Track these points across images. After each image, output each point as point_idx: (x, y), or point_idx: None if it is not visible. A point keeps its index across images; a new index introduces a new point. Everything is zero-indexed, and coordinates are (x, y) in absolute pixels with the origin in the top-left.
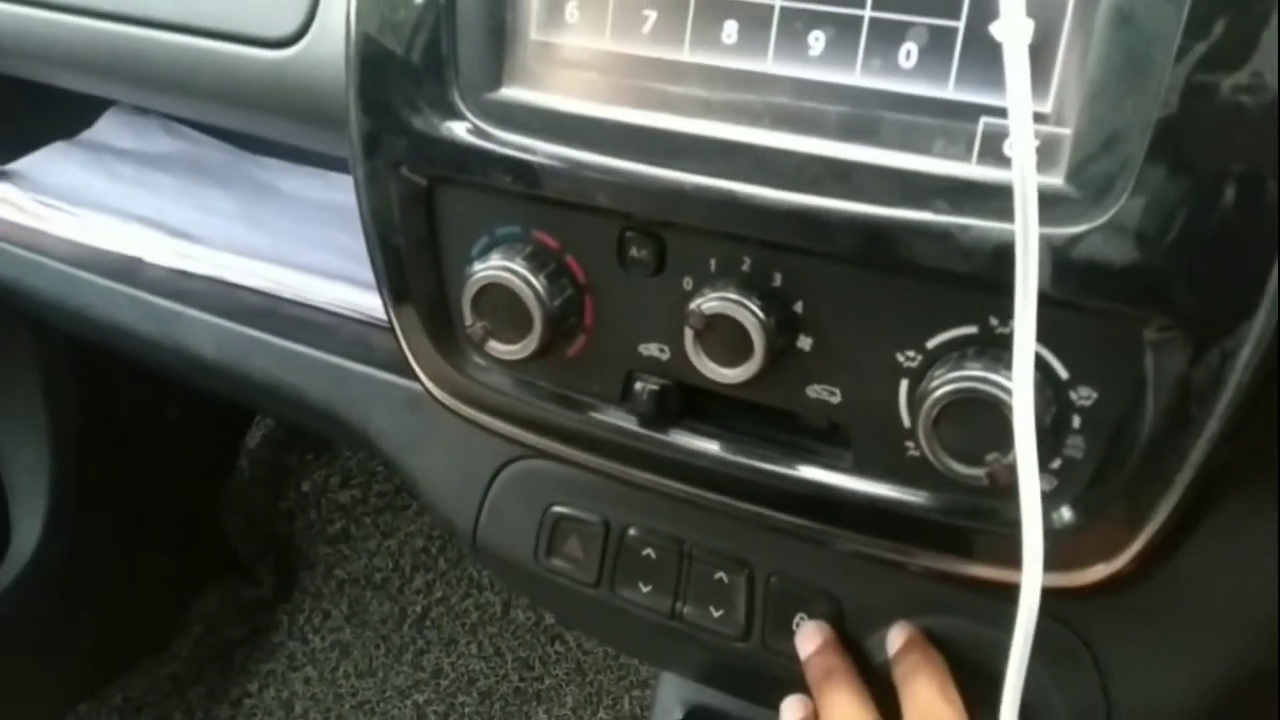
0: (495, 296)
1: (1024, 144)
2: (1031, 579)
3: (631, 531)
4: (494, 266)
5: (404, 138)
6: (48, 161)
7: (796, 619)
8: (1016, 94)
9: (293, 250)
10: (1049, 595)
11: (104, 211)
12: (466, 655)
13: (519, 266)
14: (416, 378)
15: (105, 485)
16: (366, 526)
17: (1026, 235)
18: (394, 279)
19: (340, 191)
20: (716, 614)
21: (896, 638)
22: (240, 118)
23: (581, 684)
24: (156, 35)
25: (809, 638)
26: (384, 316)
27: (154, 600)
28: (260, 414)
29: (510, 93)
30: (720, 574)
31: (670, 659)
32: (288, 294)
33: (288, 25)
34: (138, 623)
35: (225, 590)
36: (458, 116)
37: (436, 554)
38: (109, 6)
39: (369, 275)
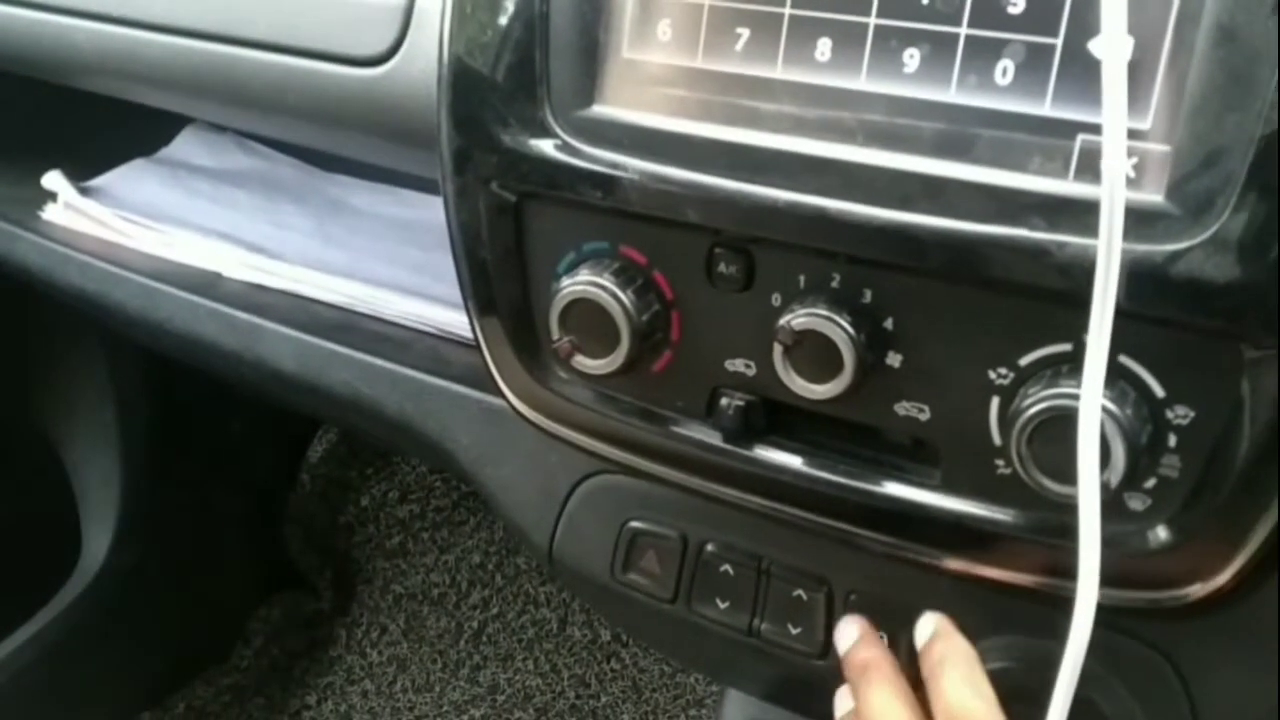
0: (583, 311)
1: (1116, 159)
2: (1088, 590)
3: (709, 547)
4: (582, 281)
5: (494, 154)
6: (128, 178)
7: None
8: (1112, 110)
9: (367, 266)
10: (1140, 615)
11: (183, 227)
12: (523, 671)
13: (607, 281)
14: (495, 391)
15: (173, 498)
16: (424, 542)
17: (1110, 246)
18: (480, 292)
19: (410, 208)
20: (795, 631)
21: (924, 629)
22: (328, 136)
23: (638, 702)
24: (249, 54)
25: (845, 632)
26: (458, 331)
27: (217, 611)
28: (325, 427)
29: (601, 110)
30: (799, 591)
31: (744, 676)
32: (364, 309)
33: (379, 44)
34: (201, 633)
35: (286, 603)
36: (549, 134)
37: (493, 570)
38: (203, 26)
39: (441, 290)
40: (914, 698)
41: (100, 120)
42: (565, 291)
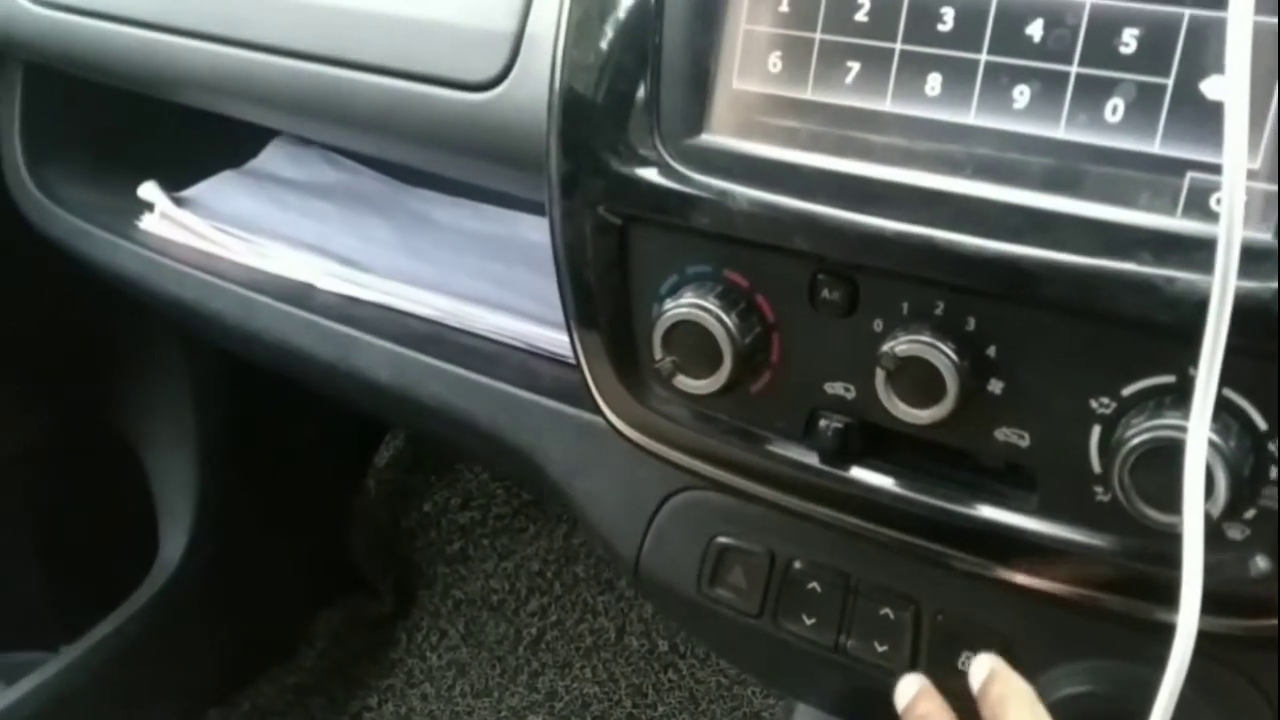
0: (687, 333)
1: (1236, 202)
2: (1189, 618)
3: (796, 564)
4: (687, 304)
5: (603, 179)
6: (219, 189)
7: (962, 657)
8: (1233, 152)
9: (453, 279)
10: (1233, 642)
11: (273, 238)
12: (580, 679)
13: (712, 305)
14: (590, 406)
15: (247, 500)
16: (484, 548)
17: (1225, 285)
18: (582, 311)
19: (492, 223)
20: (881, 649)
21: (979, 670)
22: (433, 157)
23: (694, 713)
24: (359, 76)
25: (905, 688)
26: (546, 347)
27: (284, 612)
28: (391, 433)
29: (710, 139)
30: (886, 610)
31: (824, 691)
32: (454, 322)
33: (490, 69)
34: (268, 633)
35: (350, 605)
36: (658, 160)
37: (552, 578)
38: (316, 49)
39: (526, 305)
40: None
41: (184, 132)
42: (670, 313)
